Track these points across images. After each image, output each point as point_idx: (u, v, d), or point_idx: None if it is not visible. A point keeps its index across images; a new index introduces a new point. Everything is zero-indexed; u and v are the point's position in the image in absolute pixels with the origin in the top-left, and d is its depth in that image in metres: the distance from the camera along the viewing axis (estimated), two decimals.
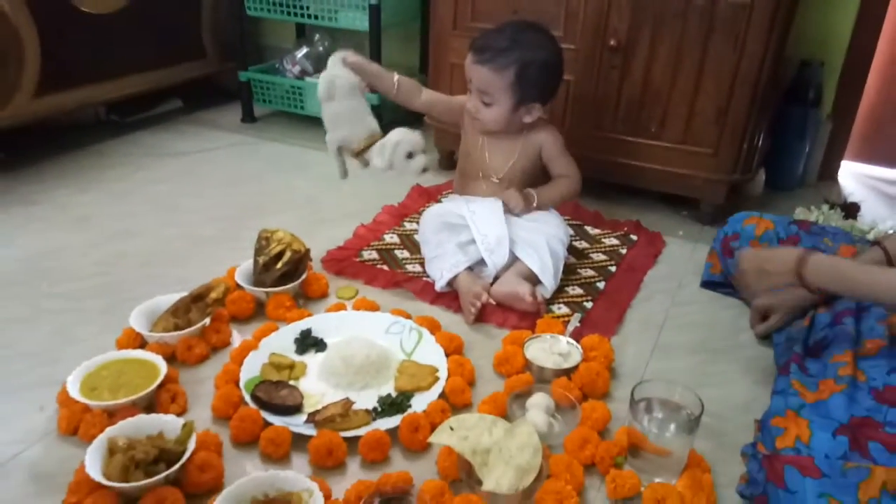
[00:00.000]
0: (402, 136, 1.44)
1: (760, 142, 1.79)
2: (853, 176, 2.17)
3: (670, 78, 1.67)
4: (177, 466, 0.90)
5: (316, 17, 2.22)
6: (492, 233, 1.41)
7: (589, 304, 1.40)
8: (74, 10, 1.95)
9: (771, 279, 1.11)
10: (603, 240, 1.68)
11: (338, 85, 1.45)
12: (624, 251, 1.62)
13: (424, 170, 1.46)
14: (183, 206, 1.80)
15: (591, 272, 1.52)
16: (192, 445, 0.92)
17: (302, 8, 2.23)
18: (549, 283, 1.38)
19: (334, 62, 1.47)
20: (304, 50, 2.41)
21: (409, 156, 1.43)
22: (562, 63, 1.45)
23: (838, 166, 2.15)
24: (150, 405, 1.06)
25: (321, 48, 2.43)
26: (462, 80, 1.92)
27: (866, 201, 1.87)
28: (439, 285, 1.39)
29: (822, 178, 2.14)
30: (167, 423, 0.97)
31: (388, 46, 2.20)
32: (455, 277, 1.38)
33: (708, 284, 1.48)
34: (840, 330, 1.11)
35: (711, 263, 1.47)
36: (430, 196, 1.88)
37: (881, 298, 1.00)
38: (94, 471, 0.88)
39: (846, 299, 1.15)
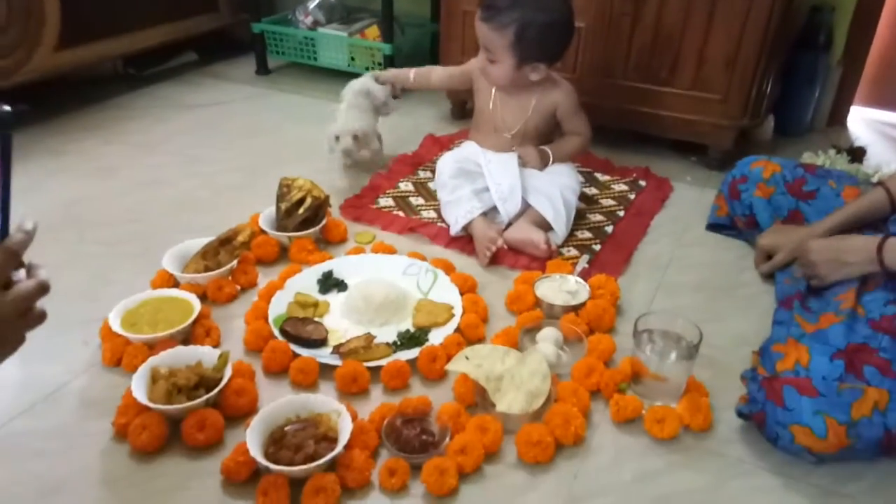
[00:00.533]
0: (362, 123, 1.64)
1: (770, 88, 1.81)
2: (863, 121, 2.18)
3: (681, 24, 1.68)
4: (216, 391, 0.98)
5: None
6: (505, 182, 1.46)
7: (597, 247, 1.45)
8: None
9: (850, 268, 1.09)
10: (612, 186, 1.72)
11: (372, 93, 1.70)
12: (632, 196, 1.67)
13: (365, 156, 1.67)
14: (203, 156, 1.85)
15: (600, 217, 1.58)
16: (228, 373, 1.00)
17: None
18: (560, 230, 1.44)
19: (366, 79, 1.72)
20: (317, 0, 2.42)
21: (355, 138, 1.62)
22: (568, 24, 1.45)
23: (848, 111, 2.16)
24: (186, 339, 1.13)
25: None
26: (473, 30, 1.94)
27: (873, 146, 1.90)
28: (454, 230, 1.45)
29: (832, 124, 2.15)
30: (204, 354, 1.05)
31: None
32: (470, 223, 1.43)
33: (713, 227, 1.53)
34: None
35: (718, 206, 1.51)
36: (442, 145, 1.92)
37: None
38: (141, 395, 0.96)
39: None
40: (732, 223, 1.48)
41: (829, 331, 0.99)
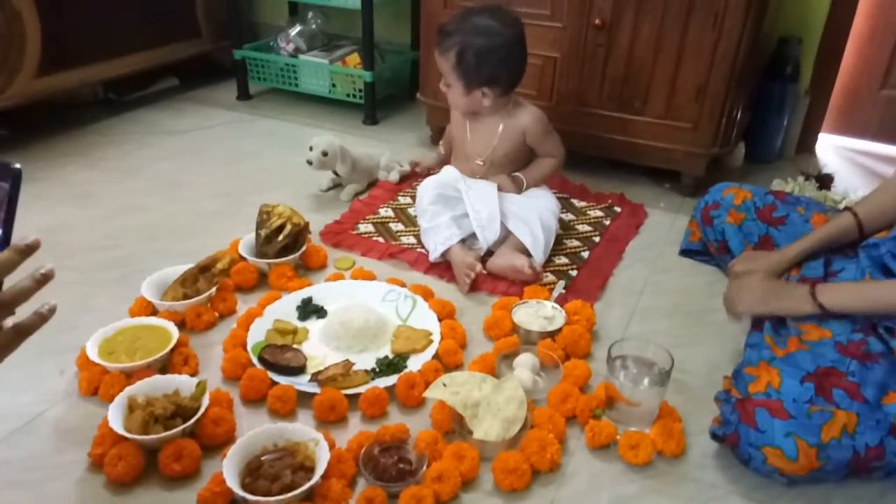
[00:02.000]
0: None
1: (739, 116, 1.86)
2: (830, 148, 2.24)
3: (653, 55, 1.73)
4: (193, 420, 0.98)
5: None
6: (484, 210, 1.49)
7: (574, 273, 1.48)
8: None
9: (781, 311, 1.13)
10: (588, 212, 1.76)
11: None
12: (608, 222, 1.70)
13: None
14: (184, 182, 1.86)
15: (576, 242, 1.61)
16: (206, 402, 1.01)
17: None
18: (538, 257, 1.46)
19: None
20: (298, 28, 2.45)
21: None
22: (510, 48, 1.46)
23: (816, 139, 2.22)
24: (164, 367, 1.13)
25: (314, 25, 2.47)
26: None
27: (840, 172, 1.96)
28: (433, 256, 1.47)
29: (800, 151, 2.22)
30: (182, 383, 1.05)
31: (380, 23, 2.25)
32: (448, 249, 1.45)
33: (686, 252, 1.56)
34: None
35: (691, 231, 1.55)
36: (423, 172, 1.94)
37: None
38: (117, 425, 0.96)
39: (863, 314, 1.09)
40: (705, 248, 1.52)
41: (797, 355, 1.02)
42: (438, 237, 1.47)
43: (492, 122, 1.56)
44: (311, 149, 1.73)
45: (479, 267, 1.41)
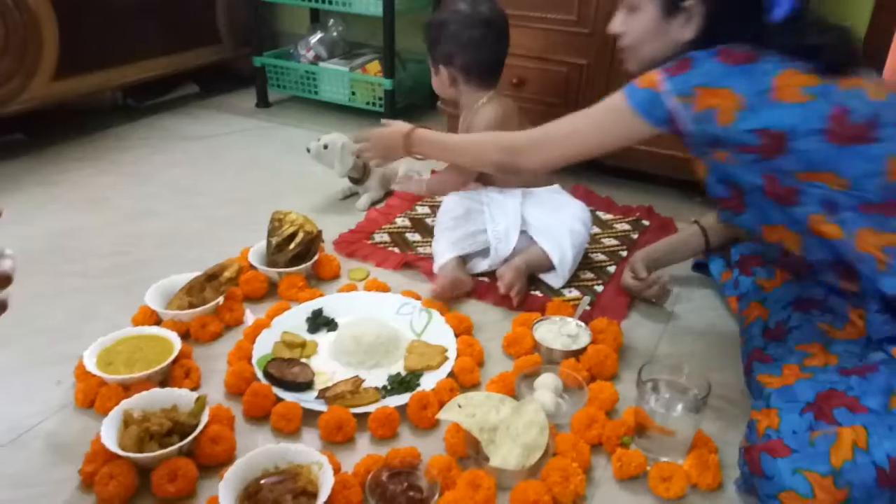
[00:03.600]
0: (345, 139, 1.70)
1: None
2: None
3: None
4: (190, 438, 0.92)
5: (330, 2, 2.22)
6: (503, 223, 1.41)
7: (599, 288, 1.40)
8: None
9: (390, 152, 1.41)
10: (615, 225, 1.68)
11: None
12: (635, 236, 1.62)
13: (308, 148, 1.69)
14: (198, 188, 1.82)
15: (602, 256, 1.53)
16: (205, 418, 0.94)
17: None
18: (562, 274, 1.38)
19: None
20: (319, 35, 2.42)
21: (325, 147, 1.69)
22: (469, 30, 1.42)
23: None
24: (164, 380, 1.08)
25: (335, 33, 2.44)
26: None
27: None
28: (436, 266, 1.40)
29: None
30: (181, 397, 0.99)
31: (402, 31, 2.20)
32: (448, 261, 1.38)
33: (698, 267, 1.47)
34: (807, 319, 1.10)
35: None
36: None
37: (463, 157, 1.32)
38: (110, 441, 0.90)
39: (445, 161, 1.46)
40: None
41: (795, 387, 0.94)
42: (442, 247, 1.40)
43: (465, 115, 1.52)
44: (318, 139, 1.72)
45: (466, 287, 1.36)
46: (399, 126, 1.38)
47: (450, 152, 1.36)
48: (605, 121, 1.06)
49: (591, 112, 1.08)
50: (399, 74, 2.27)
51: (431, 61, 1.52)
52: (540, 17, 1.75)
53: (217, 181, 1.87)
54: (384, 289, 1.35)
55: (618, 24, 1.12)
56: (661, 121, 0.99)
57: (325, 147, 1.70)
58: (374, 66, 2.27)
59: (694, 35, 1.01)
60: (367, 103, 2.31)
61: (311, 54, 2.40)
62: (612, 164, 1.80)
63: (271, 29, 2.73)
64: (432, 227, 1.57)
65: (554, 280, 1.39)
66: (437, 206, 1.71)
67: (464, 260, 1.40)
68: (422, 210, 1.71)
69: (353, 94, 2.33)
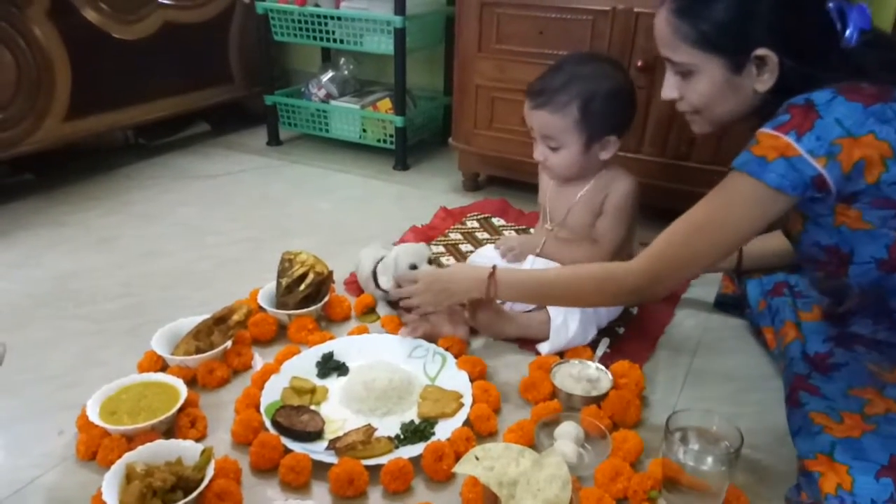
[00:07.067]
0: (402, 250, 1.38)
1: None
2: None
3: None
4: (194, 495, 0.87)
5: (342, 42, 2.23)
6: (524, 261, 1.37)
7: (620, 330, 1.35)
8: (106, 37, 1.99)
9: (456, 297, 1.22)
10: None
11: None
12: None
13: None
14: (208, 228, 1.80)
15: None
16: (210, 473, 0.90)
17: (328, 32, 2.24)
18: (553, 345, 1.25)
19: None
20: (330, 74, 2.42)
21: (413, 267, 1.34)
22: (632, 89, 1.33)
23: None
24: (169, 429, 1.04)
25: (346, 72, 2.45)
26: (486, 103, 1.92)
27: None
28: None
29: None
30: (186, 449, 0.94)
31: (412, 70, 2.20)
32: None
33: (720, 305, 1.43)
34: (853, 357, 1.03)
35: (724, 284, 1.43)
36: (455, 218, 1.86)
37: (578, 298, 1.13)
38: (111, 498, 0.86)
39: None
40: (737, 302, 1.39)
41: (863, 441, 0.87)
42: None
43: (578, 184, 1.37)
44: (413, 267, 1.33)
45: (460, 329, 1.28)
46: (468, 270, 1.22)
47: (558, 295, 1.14)
48: (742, 218, 0.91)
49: (713, 216, 0.93)
50: (410, 112, 2.27)
51: (587, 139, 1.30)
52: (553, 55, 1.74)
53: (227, 220, 1.85)
54: (398, 322, 1.33)
55: (672, 90, 1.02)
56: (807, 188, 0.84)
57: (415, 267, 1.35)
58: (386, 104, 2.27)
59: (774, 82, 0.91)
60: (379, 140, 2.30)
61: (322, 92, 2.40)
62: None
63: (283, 67, 2.75)
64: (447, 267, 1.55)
65: (542, 347, 1.27)
66: (451, 246, 1.69)
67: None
68: (436, 249, 1.68)
69: (365, 131, 2.32)
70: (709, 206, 0.94)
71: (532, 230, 1.76)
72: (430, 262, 1.37)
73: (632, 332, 1.35)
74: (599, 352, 1.25)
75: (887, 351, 1.01)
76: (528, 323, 1.29)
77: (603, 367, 1.18)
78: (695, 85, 0.98)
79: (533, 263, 1.40)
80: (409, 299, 1.24)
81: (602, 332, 1.32)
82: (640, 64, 1.65)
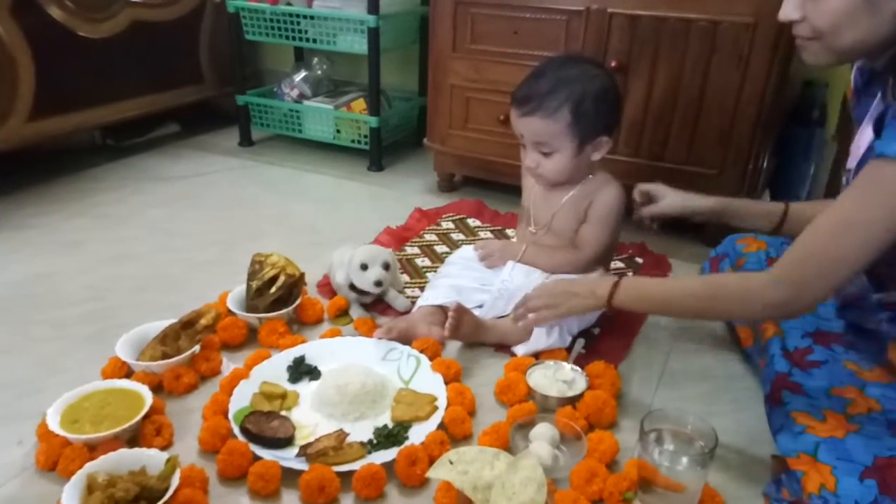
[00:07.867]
0: (360, 250, 1.38)
1: (765, 163, 1.75)
2: None
3: (672, 99, 1.64)
4: None
5: (314, 41, 2.21)
6: (515, 282, 1.35)
7: (596, 331, 1.34)
8: (71, 35, 1.94)
9: (572, 301, 1.15)
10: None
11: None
12: (630, 275, 1.58)
13: (378, 283, 1.35)
14: (178, 230, 1.76)
15: None
16: (175, 482, 0.87)
17: (300, 32, 2.21)
18: (535, 344, 1.25)
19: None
20: (303, 73, 2.40)
21: (364, 267, 1.35)
22: (618, 88, 1.33)
23: (843, 187, 2.11)
24: (133, 438, 1.00)
25: (319, 71, 2.42)
26: (461, 104, 1.91)
27: None
28: (416, 305, 1.35)
29: (828, 197, 2.10)
30: (150, 458, 0.91)
31: (387, 70, 2.19)
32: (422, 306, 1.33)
33: None
34: (831, 355, 1.04)
35: None
36: (430, 219, 1.84)
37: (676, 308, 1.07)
38: None
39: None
40: None
41: (846, 442, 0.87)
42: (431, 293, 1.35)
43: (565, 189, 1.36)
44: (363, 267, 1.36)
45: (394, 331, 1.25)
46: (592, 276, 1.19)
47: (690, 312, 1.10)
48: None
49: (860, 212, 0.81)
50: (384, 112, 2.25)
51: (580, 141, 1.28)
52: (528, 55, 1.74)
53: (197, 222, 1.81)
54: (371, 325, 1.31)
55: (794, 9, 0.86)
56: None
57: (388, 267, 1.39)
58: (360, 104, 2.25)
59: None
60: (353, 141, 2.28)
61: (295, 92, 2.37)
62: None
63: (255, 67, 2.71)
64: (422, 269, 1.54)
65: (518, 349, 1.26)
66: (426, 247, 1.68)
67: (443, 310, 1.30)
68: (411, 250, 1.67)
69: (338, 131, 2.30)
70: (854, 200, 0.82)
71: (508, 231, 1.75)
72: (386, 266, 1.36)
73: (607, 332, 1.34)
74: (574, 353, 1.24)
75: (864, 350, 1.02)
76: (508, 331, 1.27)
77: (578, 368, 1.17)
78: (824, 2, 0.83)
79: (513, 270, 1.38)
80: (531, 303, 1.19)
81: (577, 333, 1.31)
82: (614, 64, 1.65)
